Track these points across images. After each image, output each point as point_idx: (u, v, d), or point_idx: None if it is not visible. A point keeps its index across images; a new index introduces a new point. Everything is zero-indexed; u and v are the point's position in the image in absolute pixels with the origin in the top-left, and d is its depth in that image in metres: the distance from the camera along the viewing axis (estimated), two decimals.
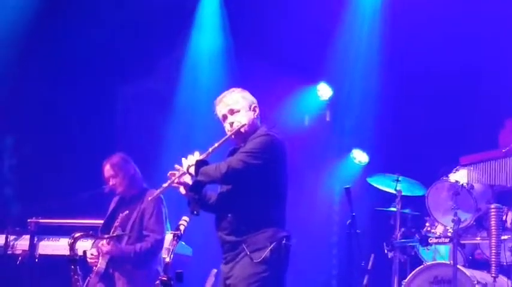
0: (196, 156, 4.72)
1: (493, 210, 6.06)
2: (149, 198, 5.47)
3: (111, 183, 6.22)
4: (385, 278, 6.73)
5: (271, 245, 4.57)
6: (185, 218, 4.70)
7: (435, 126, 8.03)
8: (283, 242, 4.62)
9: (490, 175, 6.10)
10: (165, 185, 4.78)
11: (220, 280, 4.79)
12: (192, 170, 4.68)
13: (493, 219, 6.04)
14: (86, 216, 6.98)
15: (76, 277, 4.89)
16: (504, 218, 6.17)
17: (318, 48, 8.94)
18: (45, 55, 8.64)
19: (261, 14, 8.93)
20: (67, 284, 4.99)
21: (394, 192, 6.84)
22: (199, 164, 4.66)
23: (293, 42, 8.95)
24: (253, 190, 4.65)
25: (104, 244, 5.94)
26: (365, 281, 6.53)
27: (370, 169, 8.50)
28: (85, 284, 5.93)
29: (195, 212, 4.72)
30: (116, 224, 5.97)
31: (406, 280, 6.23)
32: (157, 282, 4.48)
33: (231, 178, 4.63)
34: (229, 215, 4.68)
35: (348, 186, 6.52)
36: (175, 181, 4.72)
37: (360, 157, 8.54)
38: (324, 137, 8.83)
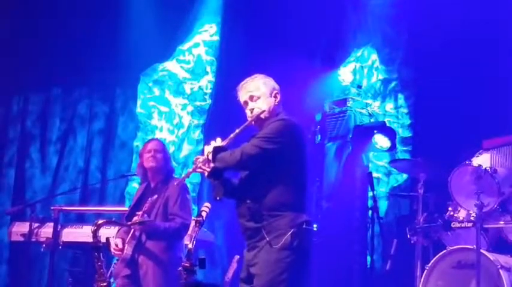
0: (217, 142, 4.71)
1: None
2: (175, 183, 5.55)
3: (148, 154, 6.27)
4: (408, 263, 6.71)
5: (291, 231, 4.52)
6: (207, 204, 4.72)
7: (458, 110, 7.96)
8: (304, 226, 4.58)
9: None
10: (190, 170, 4.83)
11: (243, 266, 4.75)
12: (211, 156, 4.67)
13: None
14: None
15: (99, 263, 4.93)
16: None
17: (339, 33, 8.91)
18: None
19: (282, 1, 8.91)
20: (91, 271, 5.04)
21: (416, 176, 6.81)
22: (216, 150, 4.65)
23: (314, 27, 8.92)
24: (271, 175, 4.62)
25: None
26: (388, 266, 6.53)
27: (393, 153, 8.48)
28: (110, 269, 5.98)
29: (217, 198, 4.75)
30: (145, 209, 6.00)
31: (429, 265, 6.20)
32: (180, 268, 4.49)
33: (245, 163, 4.62)
34: (248, 201, 4.66)
35: (370, 171, 6.51)
36: (199, 166, 4.71)
37: (381, 142, 8.49)
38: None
